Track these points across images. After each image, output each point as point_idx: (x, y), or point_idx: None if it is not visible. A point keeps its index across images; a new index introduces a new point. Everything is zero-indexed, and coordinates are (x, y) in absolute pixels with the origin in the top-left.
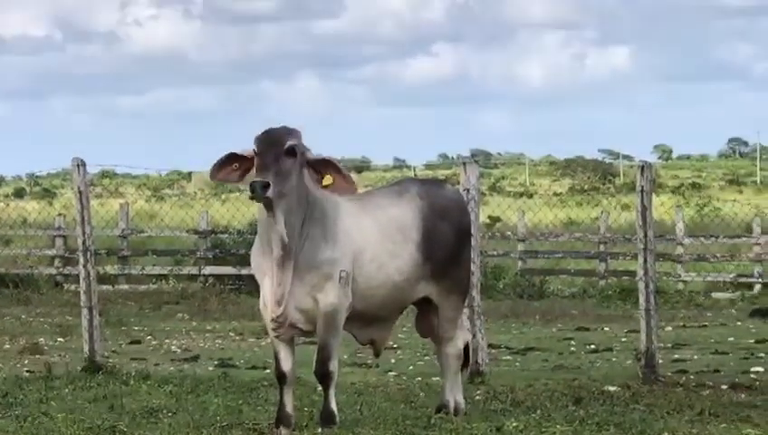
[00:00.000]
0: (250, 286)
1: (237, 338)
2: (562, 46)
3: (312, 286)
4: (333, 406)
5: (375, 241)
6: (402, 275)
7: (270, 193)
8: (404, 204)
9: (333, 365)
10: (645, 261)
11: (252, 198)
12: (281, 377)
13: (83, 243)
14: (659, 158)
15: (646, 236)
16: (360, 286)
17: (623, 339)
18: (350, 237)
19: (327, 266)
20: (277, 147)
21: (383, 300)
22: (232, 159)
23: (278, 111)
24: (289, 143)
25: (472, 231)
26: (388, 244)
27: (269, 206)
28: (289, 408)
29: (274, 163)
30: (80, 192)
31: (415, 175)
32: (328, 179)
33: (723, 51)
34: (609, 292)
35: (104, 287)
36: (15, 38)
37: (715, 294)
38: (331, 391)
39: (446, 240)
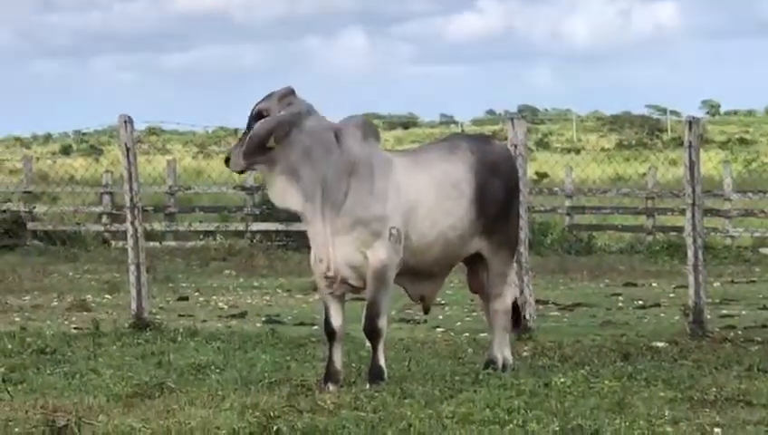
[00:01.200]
0: (297, 242)
1: (285, 294)
2: (609, 1)
3: (361, 242)
4: (382, 362)
5: (429, 197)
6: (456, 232)
7: (231, 166)
8: (456, 159)
9: (382, 322)
10: (693, 216)
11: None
12: (330, 334)
13: (131, 200)
14: (707, 113)
15: (694, 191)
16: (414, 243)
17: (671, 295)
18: (402, 194)
19: (376, 223)
20: (251, 115)
21: (437, 256)
22: None
23: (323, 68)
24: (256, 109)
25: (520, 187)
26: (442, 200)
27: (262, 173)
28: (338, 364)
29: (245, 134)
30: (127, 149)
31: (462, 131)
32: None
33: None
34: (657, 247)
35: (151, 244)
36: None
37: (763, 250)
38: (380, 348)
39: (497, 196)
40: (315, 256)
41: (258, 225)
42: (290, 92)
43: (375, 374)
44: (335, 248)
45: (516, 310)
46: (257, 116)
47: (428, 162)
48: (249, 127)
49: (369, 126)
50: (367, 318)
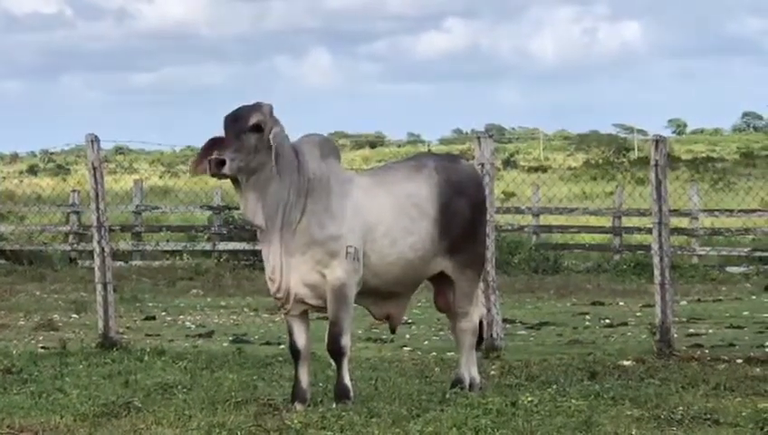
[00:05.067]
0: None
1: (252, 314)
2: (575, 21)
3: (316, 262)
4: (347, 381)
5: (389, 217)
6: (416, 252)
7: (226, 169)
8: (421, 179)
9: (345, 340)
10: (659, 235)
11: (212, 176)
12: (295, 353)
13: (97, 219)
14: (673, 132)
15: (660, 210)
16: (373, 262)
17: (638, 313)
18: (360, 213)
19: (332, 242)
20: (239, 123)
21: (397, 276)
22: (215, 145)
23: (291, 87)
24: (253, 119)
25: (487, 206)
26: (403, 220)
27: (234, 182)
28: (304, 383)
29: (235, 140)
30: (93, 168)
31: (429, 150)
32: None
33: (734, 25)
34: (624, 266)
35: (118, 264)
36: (26, 16)
37: (730, 269)
38: (345, 367)
39: (463, 215)
40: (267, 275)
41: (225, 244)
42: (272, 108)
43: (341, 393)
44: (291, 268)
45: (480, 328)
46: (255, 128)
47: (391, 182)
48: (235, 133)
49: (329, 144)
50: (329, 337)
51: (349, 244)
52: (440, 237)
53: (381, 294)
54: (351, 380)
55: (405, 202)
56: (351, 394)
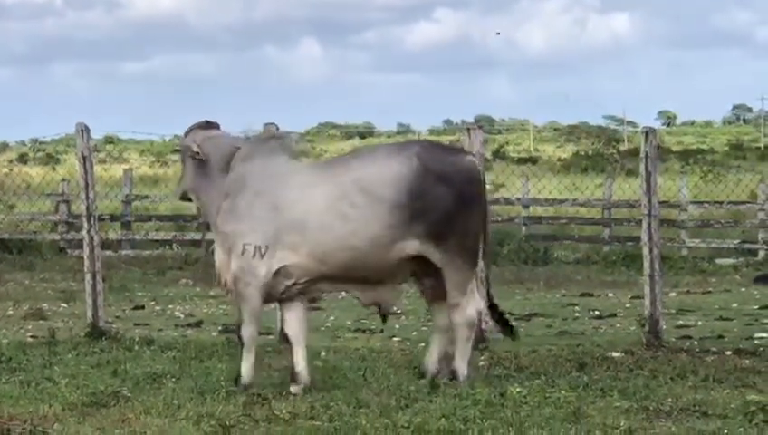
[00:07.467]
0: None
1: None
2: (564, 12)
3: (226, 254)
4: (242, 369)
5: (323, 207)
6: (360, 238)
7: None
8: (392, 162)
9: (245, 331)
10: (649, 227)
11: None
12: (283, 338)
13: (87, 208)
14: (663, 124)
15: (650, 202)
16: (311, 252)
17: (627, 305)
18: (281, 210)
19: (231, 237)
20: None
21: (347, 261)
22: None
23: (280, 77)
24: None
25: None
26: (340, 207)
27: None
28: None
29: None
30: (83, 157)
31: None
32: None
33: (724, 17)
34: (614, 258)
35: (107, 253)
36: (16, 4)
37: (720, 261)
38: (244, 354)
39: (443, 204)
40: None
41: None
42: (199, 126)
43: (236, 379)
44: (227, 265)
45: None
46: (177, 151)
47: (343, 169)
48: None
49: (274, 142)
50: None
51: (246, 241)
52: (405, 222)
53: (349, 280)
54: (340, 370)
55: (349, 189)
56: (243, 381)
